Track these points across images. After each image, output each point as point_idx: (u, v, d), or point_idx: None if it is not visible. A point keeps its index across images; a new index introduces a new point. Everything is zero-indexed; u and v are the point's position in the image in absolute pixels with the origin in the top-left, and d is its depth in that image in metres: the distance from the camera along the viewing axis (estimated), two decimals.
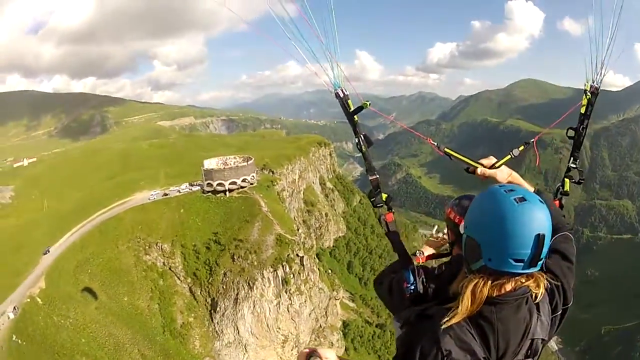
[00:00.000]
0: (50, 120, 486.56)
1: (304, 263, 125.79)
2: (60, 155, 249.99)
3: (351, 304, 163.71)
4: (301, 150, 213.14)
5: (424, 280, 4.60)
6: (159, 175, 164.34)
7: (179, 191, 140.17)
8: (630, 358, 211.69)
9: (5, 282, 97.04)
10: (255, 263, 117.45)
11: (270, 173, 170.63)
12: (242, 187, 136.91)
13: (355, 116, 5.17)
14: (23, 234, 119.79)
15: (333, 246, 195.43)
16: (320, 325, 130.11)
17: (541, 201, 3.51)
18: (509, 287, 3.60)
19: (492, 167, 5.02)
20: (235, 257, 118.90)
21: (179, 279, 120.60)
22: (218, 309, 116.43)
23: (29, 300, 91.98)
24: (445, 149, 5.06)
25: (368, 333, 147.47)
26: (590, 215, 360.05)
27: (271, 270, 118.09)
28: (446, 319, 3.51)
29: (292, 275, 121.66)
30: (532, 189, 4.61)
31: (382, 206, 5.19)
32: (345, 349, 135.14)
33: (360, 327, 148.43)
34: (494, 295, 3.58)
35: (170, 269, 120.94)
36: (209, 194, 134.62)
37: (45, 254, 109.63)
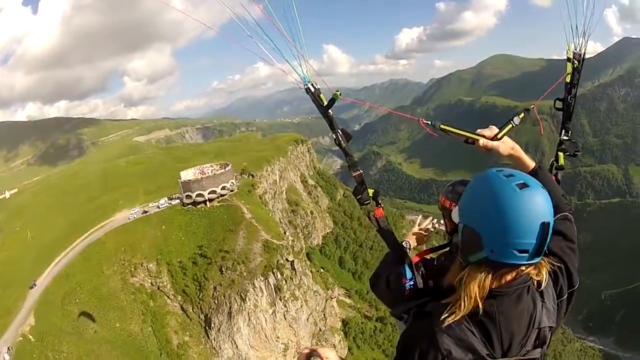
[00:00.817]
0: (27, 149, 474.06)
1: (295, 267, 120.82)
2: (41, 183, 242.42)
3: (348, 301, 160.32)
4: (279, 150, 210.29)
5: (424, 273, 4.52)
6: (138, 192, 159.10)
7: (158, 207, 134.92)
8: (634, 320, 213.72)
9: None
10: (245, 273, 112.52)
11: (250, 177, 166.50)
12: (222, 196, 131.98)
13: (330, 110, 4.89)
14: (10, 270, 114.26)
15: (322, 243, 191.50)
16: (320, 329, 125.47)
17: (542, 186, 3.30)
18: (509, 277, 3.41)
19: (494, 138, 4.67)
20: (223, 269, 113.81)
21: (168, 298, 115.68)
22: (212, 325, 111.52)
23: (21, 338, 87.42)
24: (441, 126, 4.72)
25: (369, 329, 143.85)
26: (576, 183, 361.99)
27: (262, 279, 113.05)
28: (446, 318, 3.33)
29: (284, 282, 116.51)
30: (532, 164, 4.56)
31: (369, 203, 4.87)
32: (349, 349, 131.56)
33: (360, 324, 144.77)
34: (494, 287, 3.39)
35: (159, 288, 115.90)
36: (189, 206, 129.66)
37: (31, 288, 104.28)
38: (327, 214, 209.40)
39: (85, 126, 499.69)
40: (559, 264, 3.77)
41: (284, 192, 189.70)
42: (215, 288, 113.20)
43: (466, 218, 3.45)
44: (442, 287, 3.80)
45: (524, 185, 3.16)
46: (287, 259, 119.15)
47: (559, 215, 4.00)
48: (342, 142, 4.88)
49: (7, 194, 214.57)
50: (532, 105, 5.21)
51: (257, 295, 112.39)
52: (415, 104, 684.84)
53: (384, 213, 4.92)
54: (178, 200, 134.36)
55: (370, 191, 4.85)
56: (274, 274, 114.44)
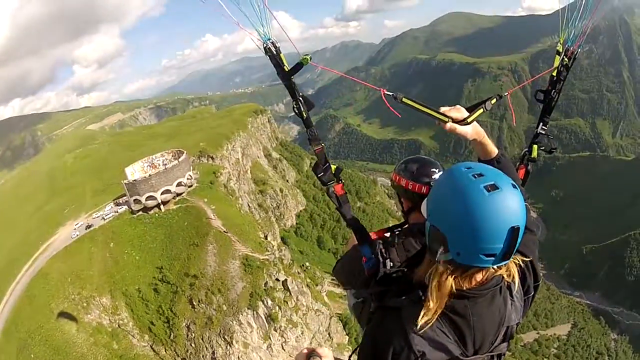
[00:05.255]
0: None
1: (289, 287, 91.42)
2: None
3: (337, 290, 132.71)
4: (237, 123, 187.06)
5: (382, 252, 4.18)
6: (84, 194, 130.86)
7: (103, 218, 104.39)
8: (618, 275, 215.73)
9: None
10: (225, 307, 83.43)
11: (210, 160, 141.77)
12: (178, 194, 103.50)
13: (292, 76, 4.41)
14: None
15: (297, 224, 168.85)
16: None
17: (514, 185, 3.11)
18: (479, 277, 3.32)
19: (463, 121, 4.20)
20: (194, 301, 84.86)
21: (134, 337, 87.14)
22: None
23: None
24: (403, 99, 4.09)
25: None
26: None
27: (248, 311, 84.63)
28: (417, 318, 3.23)
29: (278, 307, 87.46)
30: (496, 151, 4.43)
31: (332, 183, 4.62)
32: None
33: None
34: (465, 288, 3.30)
35: (119, 326, 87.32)
36: (140, 212, 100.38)
37: None
38: (298, 190, 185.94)
39: (38, 122, 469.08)
40: (525, 264, 3.70)
41: (249, 171, 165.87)
42: (188, 327, 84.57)
43: (432, 217, 3.26)
44: (404, 272, 3.80)
45: (493, 187, 2.96)
46: (277, 279, 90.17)
47: None
48: (304, 111, 4.45)
49: None
50: (506, 93, 4.80)
51: (245, 332, 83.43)
52: (370, 65, 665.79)
53: (345, 191, 4.67)
54: (126, 207, 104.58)
55: (333, 167, 4.59)
56: (263, 302, 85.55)
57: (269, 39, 4.20)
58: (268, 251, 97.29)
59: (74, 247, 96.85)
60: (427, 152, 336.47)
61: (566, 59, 5.53)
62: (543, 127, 5.64)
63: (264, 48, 4.22)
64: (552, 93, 5.61)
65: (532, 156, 5.47)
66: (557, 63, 5.55)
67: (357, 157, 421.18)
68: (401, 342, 3.14)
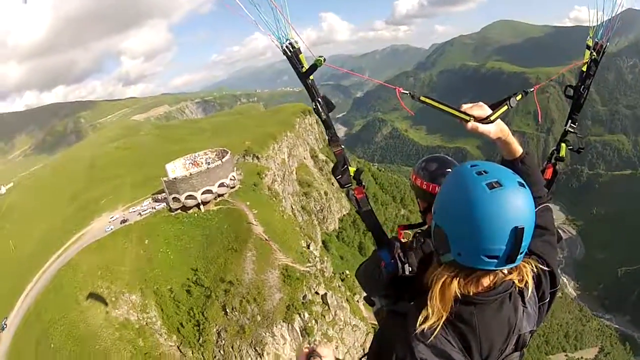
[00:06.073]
0: (24, 138, 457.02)
1: (328, 301, 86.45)
2: (34, 175, 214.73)
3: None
4: (285, 123, 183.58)
5: (401, 255, 4.00)
6: (123, 186, 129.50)
7: (139, 214, 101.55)
8: None
9: None
10: (259, 318, 79.03)
11: (255, 159, 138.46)
12: (220, 195, 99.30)
13: (310, 76, 4.24)
14: None
15: (339, 228, 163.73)
16: None
17: (521, 184, 2.97)
18: (486, 282, 3.20)
19: (486, 119, 3.78)
20: (227, 308, 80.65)
21: (161, 336, 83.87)
22: None
23: None
24: (422, 98, 3.86)
25: None
26: (586, 152, 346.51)
27: (283, 324, 79.90)
28: (418, 324, 3.14)
29: (314, 321, 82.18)
30: (520, 150, 4.04)
31: (350, 186, 4.46)
32: None
33: None
34: (472, 293, 3.17)
35: (147, 324, 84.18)
36: (178, 211, 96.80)
37: (2, 329, 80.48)
38: (342, 193, 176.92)
39: (82, 109, 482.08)
40: (542, 268, 3.51)
41: (294, 172, 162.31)
42: (219, 334, 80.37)
43: (436, 216, 3.17)
44: (421, 277, 3.54)
45: (496, 185, 2.83)
46: (316, 292, 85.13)
47: (539, 207, 3.61)
48: (323, 112, 4.31)
49: (3, 189, 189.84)
50: (532, 89, 4.57)
51: (277, 344, 79.05)
52: (419, 70, 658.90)
53: (365, 193, 4.49)
54: (164, 204, 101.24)
55: (352, 170, 4.45)
56: (300, 314, 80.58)
57: (287, 40, 4.05)
58: (309, 262, 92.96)
59: (107, 241, 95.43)
60: None
61: (595, 54, 5.41)
62: (572, 124, 5.48)
63: (282, 49, 4.09)
64: (581, 89, 5.48)
65: (560, 155, 5.35)
66: (586, 57, 5.44)
67: (403, 162, 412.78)
68: (403, 349, 3.07)
